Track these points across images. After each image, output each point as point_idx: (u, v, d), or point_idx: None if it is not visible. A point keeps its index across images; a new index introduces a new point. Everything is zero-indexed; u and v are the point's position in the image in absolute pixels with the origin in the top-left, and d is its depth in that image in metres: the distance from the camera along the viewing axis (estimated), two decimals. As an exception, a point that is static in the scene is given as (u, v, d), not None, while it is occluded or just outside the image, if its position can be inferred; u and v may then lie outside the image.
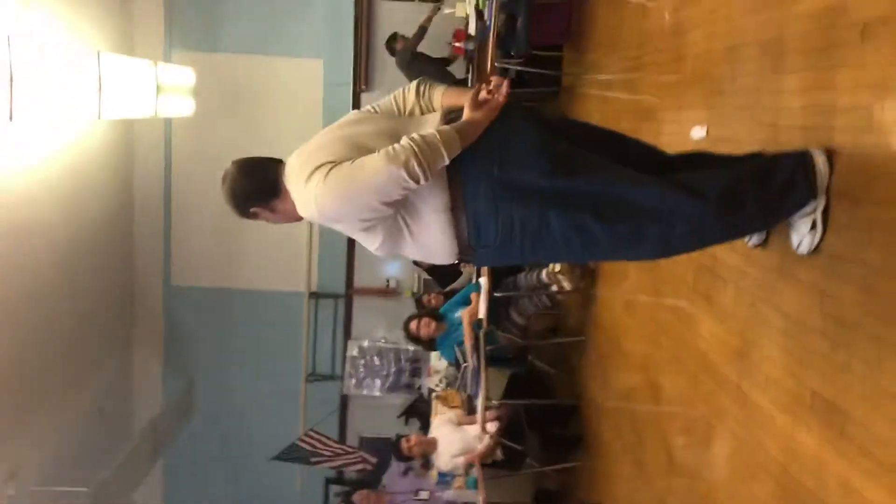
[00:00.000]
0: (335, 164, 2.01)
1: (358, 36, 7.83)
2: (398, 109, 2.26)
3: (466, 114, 2.06)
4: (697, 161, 2.37)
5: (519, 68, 5.96)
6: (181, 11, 7.79)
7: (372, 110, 2.27)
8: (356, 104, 7.88)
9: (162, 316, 8.46)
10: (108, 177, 7.35)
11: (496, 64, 5.58)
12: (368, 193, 1.97)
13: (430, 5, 6.99)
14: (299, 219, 2.20)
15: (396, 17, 7.33)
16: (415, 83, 2.26)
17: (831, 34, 2.23)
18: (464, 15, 6.67)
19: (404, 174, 1.93)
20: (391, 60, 7.12)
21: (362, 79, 7.86)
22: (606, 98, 4.92)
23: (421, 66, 6.56)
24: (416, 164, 1.93)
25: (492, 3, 5.40)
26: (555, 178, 2.04)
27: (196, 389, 8.49)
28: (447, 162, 1.98)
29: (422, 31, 6.68)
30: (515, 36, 5.78)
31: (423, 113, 2.24)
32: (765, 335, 2.56)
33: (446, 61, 6.93)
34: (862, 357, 2.00)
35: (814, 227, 2.22)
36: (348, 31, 7.87)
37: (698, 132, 3.22)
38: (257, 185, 2.16)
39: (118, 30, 7.19)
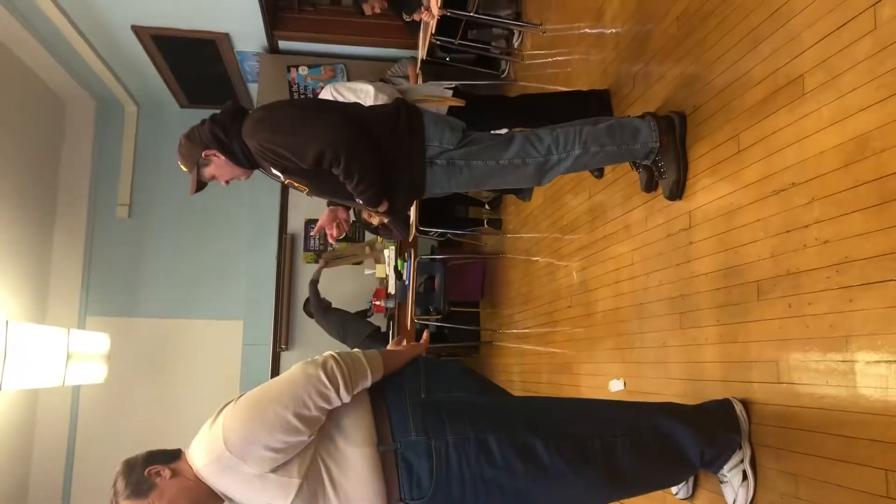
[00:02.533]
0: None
1: (279, 297, 7.94)
2: None
3: (391, 347, 2.14)
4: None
5: (438, 325, 6.10)
6: (100, 278, 7.75)
7: None
8: (275, 363, 7.80)
9: None
10: (3, 448, 6.84)
11: (416, 321, 5.71)
12: (282, 402, 1.77)
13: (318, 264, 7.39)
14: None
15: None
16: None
17: (730, 293, 2.38)
18: (383, 275, 6.90)
19: (322, 375, 1.80)
20: (310, 320, 7.23)
21: (283, 338, 7.85)
22: (524, 351, 5.01)
23: (338, 317, 6.83)
24: (335, 367, 1.83)
25: (410, 264, 5.64)
26: (485, 396, 2.01)
27: None
28: (369, 379, 1.90)
29: (313, 284, 7.06)
30: (434, 295, 5.99)
31: None
32: None
33: (364, 313, 7.10)
34: None
35: (745, 478, 2.22)
36: (269, 293, 7.97)
37: (616, 385, 3.26)
38: (156, 452, 1.99)
39: (30, 296, 7.06)
